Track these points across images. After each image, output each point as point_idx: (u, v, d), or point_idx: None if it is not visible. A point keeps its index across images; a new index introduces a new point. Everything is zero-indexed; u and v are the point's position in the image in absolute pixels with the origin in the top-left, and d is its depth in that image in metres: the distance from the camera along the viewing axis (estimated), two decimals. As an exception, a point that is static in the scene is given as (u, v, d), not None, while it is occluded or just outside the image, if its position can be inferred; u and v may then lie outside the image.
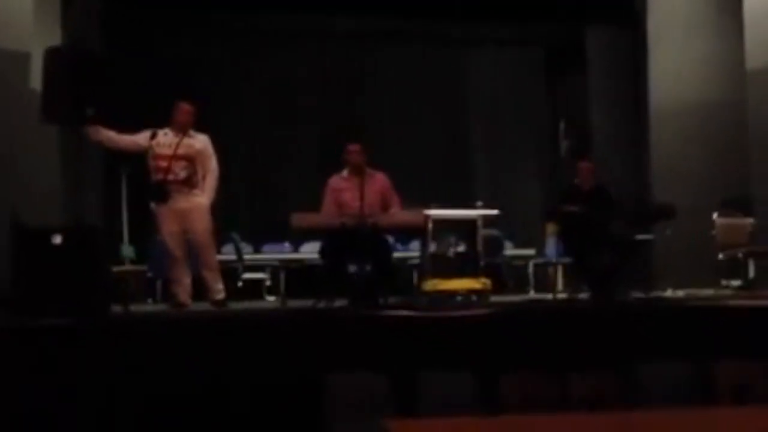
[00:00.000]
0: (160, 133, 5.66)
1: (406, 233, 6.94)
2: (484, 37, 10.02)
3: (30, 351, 4.09)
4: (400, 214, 5.90)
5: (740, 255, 6.83)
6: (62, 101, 5.10)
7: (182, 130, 5.67)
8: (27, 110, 6.04)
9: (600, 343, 4.69)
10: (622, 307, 5.46)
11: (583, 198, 5.99)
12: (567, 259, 6.63)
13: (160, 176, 5.59)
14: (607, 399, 4.26)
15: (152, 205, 5.66)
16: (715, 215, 6.96)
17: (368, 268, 5.73)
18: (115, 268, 6.09)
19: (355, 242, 5.60)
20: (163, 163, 5.59)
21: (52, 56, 5.22)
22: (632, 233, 6.12)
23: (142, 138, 5.65)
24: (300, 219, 5.71)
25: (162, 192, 5.57)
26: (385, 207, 5.89)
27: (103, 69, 5.34)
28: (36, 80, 5.88)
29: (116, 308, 5.08)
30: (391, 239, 6.50)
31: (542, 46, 10.25)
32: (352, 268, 5.88)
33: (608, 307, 5.50)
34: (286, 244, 8.66)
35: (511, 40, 10.08)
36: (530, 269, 8.23)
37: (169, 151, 5.60)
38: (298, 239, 8.37)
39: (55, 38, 7.02)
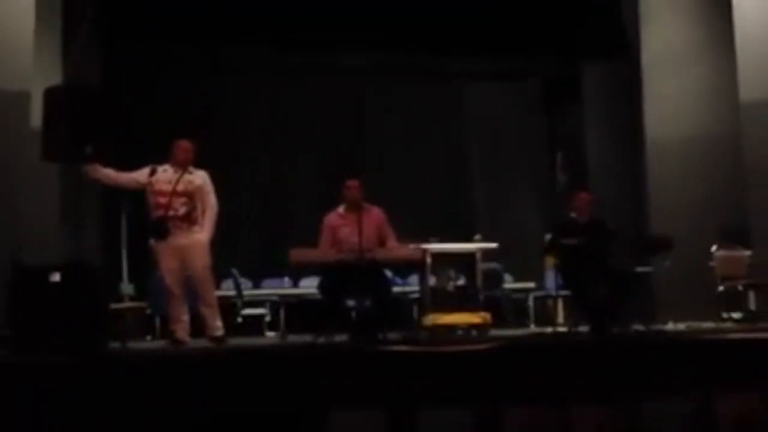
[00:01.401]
0: (160, 169, 5.69)
1: (405, 267, 6.94)
2: (481, 71, 10.11)
3: (27, 388, 4.06)
4: (398, 249, 5.91)
5: (740, 287, 6.82)
6: (61, 139, 5.13)
7: (181, 167, 5.70)
8: (27, 149, 6.09)
9: (601, 376, 4.66)
10: (623, 341, 5.43)
11: (580, 230, 5.99)
12: (567, 292, 6.61)
13: (160, 212, 5.61)
14: (609, 433, 4.22)
15: (151, 241, 5.66)
16: (714, 247, 6.96)
17: (367, 302, 5.72)
18: (114, 305, 6.07)
19: (354, 277, 5.59)
20: (163, 200, 5.61)
21: (51, 95, 5.26)
22: (631, 266, 6.11)
23: (141, 175, 5.68)
24: (298, 255, 5.71)
25: (162, 228, 5.58)
26: (380, 241, 5.90)
27: (103, 106, 5.39)
28: (36, 119, 5.93)
29: (114, 345, 5.06)
30: (389, 273, 6.49)
31: (539, 80, 10.34)
32: (351, 303, 5.87)
33: (608, 340, 5.47)
34: (286, 279, 8.65)
35: (508, 73, 10.17)
36: (530, 302, 8.20)
37: (168, 188, 5.62)
38: (297, 274, 8.36)
39: (55, 76, 7.09)
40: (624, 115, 8.95)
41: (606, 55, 9.08)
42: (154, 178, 5.63)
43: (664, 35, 8.28)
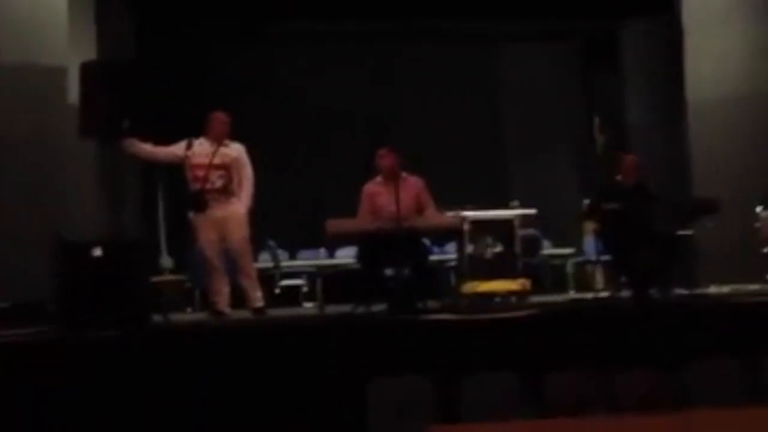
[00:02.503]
0: (196, 142, 5.71)
1: (442, 236, 6.90)
2: (515, 33, 9.92)
3: (74, 363, 4.13)
4: (436, 217, 5.87)
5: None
6: (98, 115, 5.17)
7: (217, 140, 5.71)
8: (64, 125, 6.14)
9: (644, 341, 4.62)
10: (666, 305, 5.36)
11: (624, 194, 5.88)
12: (607, 257, 6.53)
13: (197, 186, 5.64)
14: (654, 399, 4.18)
15: (190, 214, 5.70)
16: (758, 209, 6.80)
17: (406, 271, 5.70)
18: (154, 279, 6.14)
19: (392, 246, 5.57)
20: (200, 173, 5.63)
21: (87, 70, 5.29)
22: (673, 229, 6.00)
23: (177, 149, 5.70)
24: (335, 225, 5.70)
25: (200, 201, 5.61)
26: (419, 210, 5.87)
27: (138, 80, 5.40)
28: (73, 95, 5.97)
29: (157, 318, 5.12)
30: (427, 242, 6.45)
31: (576, 41, 10.12)
32: (389, 272, 5.86)
33: (651, 305, 5.40)
34: (322, 250, 8.66)
35: (544, 35, 9.97)
36: (569, 268, 8.12)
37: (205, 161, 5.64)
38: (333, 245, 8.36)
39: (90, 52, 7.11)
40: (664, 76, 8.74)
41: (645, 14, 8.85)
42: (190, 152, 5.65)
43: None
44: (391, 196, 5.71)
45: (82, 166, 6.77)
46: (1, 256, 5.25)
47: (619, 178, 6.08)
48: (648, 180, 6.22)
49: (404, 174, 5.92)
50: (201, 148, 5.69)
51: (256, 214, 5.89)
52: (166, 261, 6.52)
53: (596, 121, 9.72)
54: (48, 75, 6.36)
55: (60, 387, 4.03)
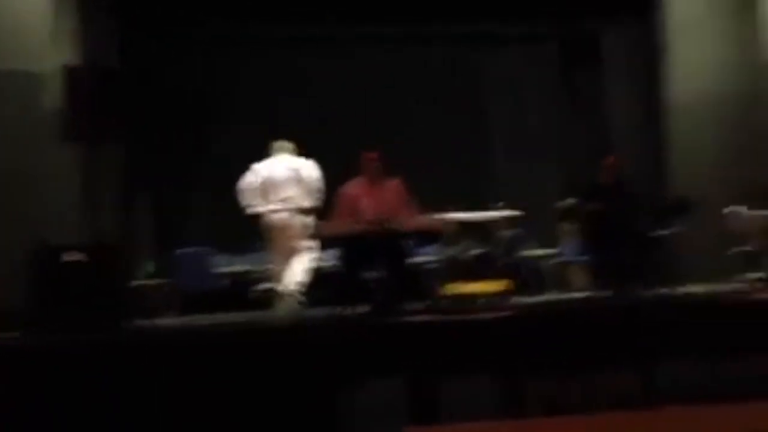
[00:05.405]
0: None
1: (424, 238, 6.92)
2: (497, 35, 9.96)
3: (53, 367, 4.13)
4: (417, 219, 5.90)
5: (762, 248, 6.73)
6: (81, 119, 5.19)
7: None
8: (45, 129, 6.13)
9: (624, 342, 4.65)
10: (645, 305, 5.40)
11: (604, 194, 5.95)
12: (586, 258, 6.58)
13: None
14: (632, 399, 4.22)
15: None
16: (736, 208, 6.87)
17: (387, 274, 5.73)
18: (138, 283, 6.15)
19: (374, 248, 5.60)
20: None
21: (70, 75, 5.31)
22: (654, 228, 6.06)
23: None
24: (327, 227, 5.73)
25: None
26: (400, 213, 5.89)
27: (121, 87, 5.43)
28: (54, 100, 5.97)
29: (140, 322, 5.13)
30: (409, 244, 6.48)
31: (557, 43, 10.17)
32: (370, 275, 5.88)
33: (631, 305, 5.44)
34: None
35: (525, 37, 10.01)
36: (551, 269, 8.15)
37: None
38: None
39: (73, 58, 7.08)
40: (645, 77, 8.81)
41: (627, 16, 8.92)
42: None
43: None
44: (372, 198, 5.73)
45: (62, 169, 6.74)
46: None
47: (601, 179, 6.15)
48: (628, 179, 6.28)
49: (385, 176, 5.94)
50: None
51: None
52: (150, 265, 6.53)
53: (578, 123, 9.78)
54: (28, 79, 6.33)
55: (38, 391, 4.03)
